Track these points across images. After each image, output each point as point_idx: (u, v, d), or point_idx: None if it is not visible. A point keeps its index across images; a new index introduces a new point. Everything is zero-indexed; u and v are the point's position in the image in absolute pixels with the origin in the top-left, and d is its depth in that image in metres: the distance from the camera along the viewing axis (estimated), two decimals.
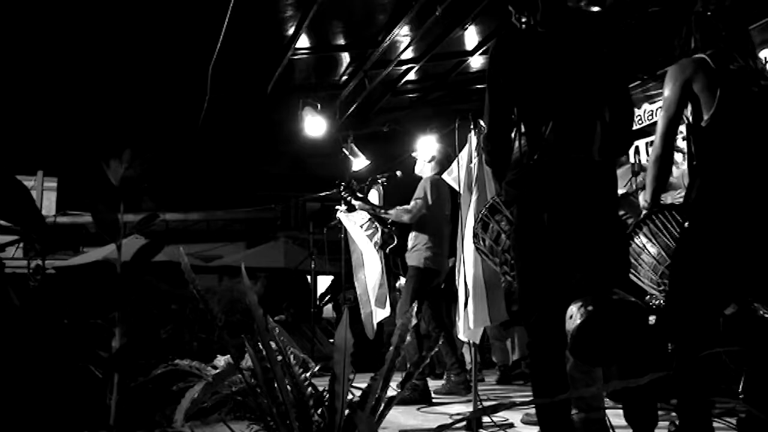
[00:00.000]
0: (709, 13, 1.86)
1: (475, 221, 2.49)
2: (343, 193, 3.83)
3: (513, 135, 1.83)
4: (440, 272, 3.70)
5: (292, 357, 1.51)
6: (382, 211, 3.83)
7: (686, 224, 1.82)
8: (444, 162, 3.86)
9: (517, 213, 1.82)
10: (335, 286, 6.94)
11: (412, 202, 3.74)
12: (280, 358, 1.45)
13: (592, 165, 1.74)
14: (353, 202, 3.85)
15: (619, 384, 1.06)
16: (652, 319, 2.01)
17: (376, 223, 4.01)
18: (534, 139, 1.76)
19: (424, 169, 3.89)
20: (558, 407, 1.65)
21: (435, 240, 3.68)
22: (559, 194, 1.72)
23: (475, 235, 2.50)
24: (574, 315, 1.61)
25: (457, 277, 3.15)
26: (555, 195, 1.72)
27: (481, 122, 3.09)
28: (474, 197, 3.05)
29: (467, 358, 4.24)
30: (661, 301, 2.25)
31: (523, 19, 1.83)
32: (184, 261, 1.41)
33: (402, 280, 3.93)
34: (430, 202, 3.67)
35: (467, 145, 3.18)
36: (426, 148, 3.96)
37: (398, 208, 3.80)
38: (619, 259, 1.78)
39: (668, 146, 1.84)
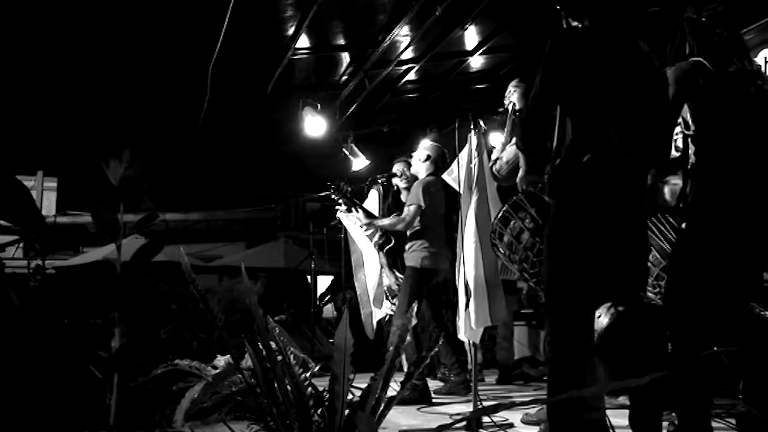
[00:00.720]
0: (703, 19, 1.88)
1: (496, 216, 2.49)
2: (334, 196, 3.82)
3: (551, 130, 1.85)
4: (438, 271, 3.71)
5: (292, 357, 1.51)
6: (376, 221, 3.84)
7: (683, 226, 1.83)
8: (439, 161, 3.85)
9: (557, 208, 1.83)
10: (335, 287, 6.94)
11: (405, 209, 3.74)
12: (280, 358, 1.45)
13: (640, 168, 1.80)
14: (343, 208, 3.84)
15: (619, 384, 1.07)
16: None
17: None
18: (586, 137, 1.77)
19: (419, 169, 3.89)
20: (572, 406, 1.65)
21: (432, 240, 3.69)
22: (610, 194, 1.75)
23: (493, 231, 2.49)
24: (602, 316, 1.62)
25: (456, 278, 3.15)
26: (606, 195, 1.75)
27: (481, 122, 3.08)
28: (474, 197, 3.05)
29: (468, 358, 4.24)
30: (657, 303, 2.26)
31: (574, 23, 1.87)
32: (184, 261, 1.41)
33: (387, 279, 3.89)
34: (423, 206, 3.67)
35: (467, 145, 3.18)
36: (422, 147, 3.96)
37: (391, 218, 3.80)
38: (645, 264, 1.83)
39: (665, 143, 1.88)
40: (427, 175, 3.82)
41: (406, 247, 3.74)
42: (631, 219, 1.77)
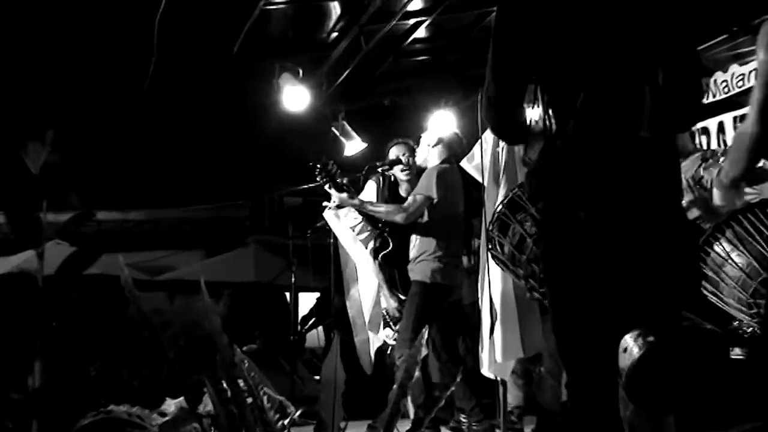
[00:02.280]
0: None
1: (491, 221, 2.50)
2: (318, 178, 3.80)
3: (535, 106, 1.83)
4: (453, 288, 3.68)
5: (265, 399, 1.51)
6: (370, 205, 3.80)
7: None
8: (455, 147, 3.86)
9: (544, 211, 1.81)
10: (322, 307, 6.94)
11: (410, 198, 3.73)
12: (250, 400, 1.45)
13: (641, 145, 1.70)
14: (332, 205, 3.83)
15: None
16: (738, 351, 2.00)
17: (371, 225, 4.01)
18: (562, 111, 1.74)
19: (429, 155, 3.89)
20: None
21: (445, 247, 3.67)
22: (598, 184, 1.69)
23: (489, 240, 2.50)
24: (629, 348, 1.59)
25: (479, 296, 3.15)
26: (593, 186, 1.69)
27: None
28: (502, 191, 3.07)
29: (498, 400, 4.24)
30: (755, 328, 2.22)
31: None
32: (123, 274, 1.41)
33: (388, 301, 3.88)
34: (435, 198, 3.65)
35: None
36: (436, 127, 3.97)
37: (390, 206, 3.80)
38: (688, 272, 1.78)
39: (766, 122, 1.79)
40: (441, 163, 3.82)
41: (411, 256, 3.73)
42: (649, 213, 1.70)
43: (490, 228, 2.47)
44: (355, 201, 3.79)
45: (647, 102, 1.72)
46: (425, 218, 3.73)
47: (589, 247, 1.69)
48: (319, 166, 3.78)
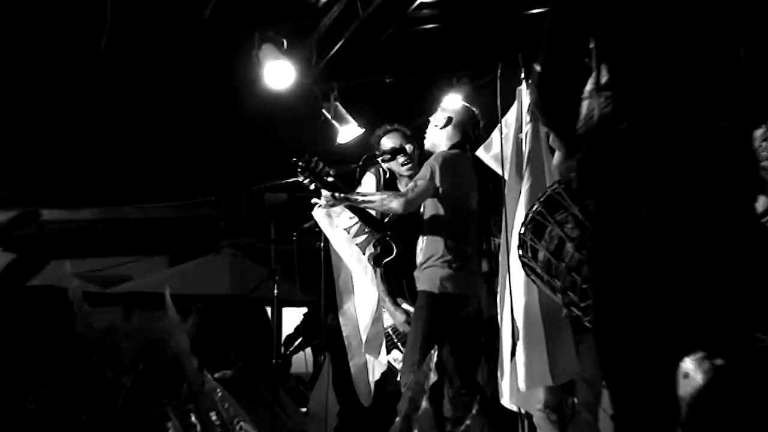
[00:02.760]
0: None
1: (523, 223, 2.51)
2: (300, 178, 3.81)
3: (586, 87, 1.86)
4: (468, 298, 3.65)
5: None
6: (360, 196, 3.78)
7: None
8: (468, 128, 3.86)
9: (595, 209, 1.83)
10: (310, 325, 6.96)
11: (410, 183, 3.73)
12: None
13: (720, 135, 1.73)
14: (322, 202, 3.83)
15: None
16: None
17: (369, 227, 4.02)
18: (624, 92, 1.78)
19: (437, 139, 3.89)
20: None
21: (455, 249, 3.66)
22: (666, 178, 1.72)
23: (521, 245, 2.51)
24: (692, 373, 1.61)
25: (499, 310, 3.17)
26: (659, 179, 1.72)
27: (537, 67, 3.10)
28: (525, 186, 3.09)
29: None
30: None
31: None
32: (71, 285, 1.41)
33: (394, 316, 3.89)
34: (439, 186, 3.65)
35: (516, 105, 3.22)
36: (446, 108, 3.97)
37: (387, 191, 3.80)
38: (763, 285, 1.77)
39: None
40: (450, 148, 3.82)
41: (418, 261, 3.73)
42: (723, 213, 1.73)
43: (523, 231, 2.48)
44: (343, 195, 3.78)
45: (729, 86, 1.75)
46: (430, 214, 3.72)
47: (650, 251, 1.72)
48: (300, 163, 3.77)
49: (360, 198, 3.79)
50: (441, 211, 3.71)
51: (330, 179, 3.77)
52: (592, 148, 1.84)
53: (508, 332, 3.16)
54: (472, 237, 3.77)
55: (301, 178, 3.81)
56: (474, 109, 3.99)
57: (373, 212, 4.08)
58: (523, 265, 2.59)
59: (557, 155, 2.27)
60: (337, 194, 3.77)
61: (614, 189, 1.79)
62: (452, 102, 4.06)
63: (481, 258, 4.08)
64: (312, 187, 3.81)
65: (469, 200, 3.78)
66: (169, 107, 7.29)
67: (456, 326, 3.70)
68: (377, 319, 4.00)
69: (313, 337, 6.89)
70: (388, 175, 4.24)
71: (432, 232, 3.73)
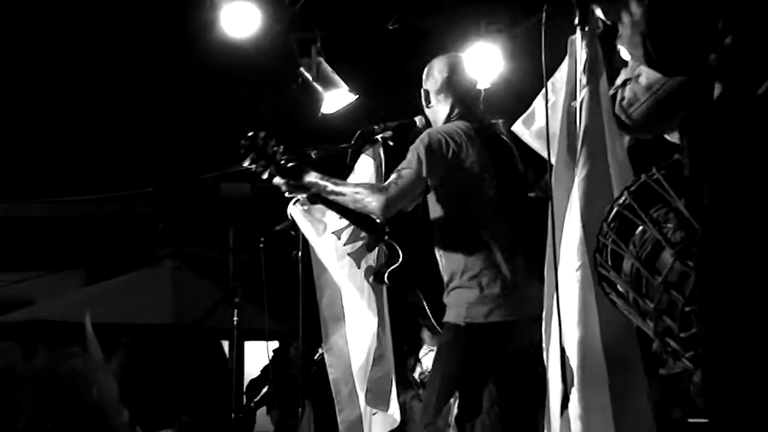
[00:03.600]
0: None
1: (604, 219, 2.52)
2: (246, 162, 3.84)
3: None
4: (513, 326, 3.64)
5: None
6: (331, 185, 3.78)
7: None
8: (463, 90, 3.90)
9: (713, 203, 1.86)
10: (282, 364, 6.98)
11: (393, 175, 3.72)
12: None
13: None
14: (274, 180, 3.86)
15: None
16: None
17: (360, 227, 4.04)
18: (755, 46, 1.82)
19: (434, 111, 3.95)
20: None
21: (481, 259, 3.67)
22: None
23: (599, 249, 2.52)
24: None
25: (544, 343, 3.19)
26: None
27: (598, 12, 3.13)
28: (581, 172, 3.11)
29: None
30: None
31: None
32: None
33: (425, 351, 3.92)
34: (428, 180, 3.66)
35: (566, 62, 3.24)
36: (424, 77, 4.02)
37: (362, 184, 3.82)
38: None
39: None
40: (446, 121, 3.87)
41: (445, 279, 3.75)
42: None
43: (604, 231, 2.49)
44: (303, 182, 3.78)
45: None
46: (435, 217, 3.73)
47: None
48: (243, 142, 3.80)
49: (330, 187, 3.77)
50: (442, 213, 3.72)
51: (289, 164, 3.79)
52: (711, 119, 1.86)
53: (557, 374, 3.17)
54: (502, 237, 3.73)
55: (246, 163, 3.82)
56: (456, 54, 4.06)
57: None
58: (600, 278, 2.59)
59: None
60: (293, 182, 3.79)
61: (744, 175, 1.81)
62: (479, 62, 4.09)
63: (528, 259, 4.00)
64: (265, 176, 3.82)
65: (481, 189, 3.75)
66: (92, 65, 7.30)
67: (501, 366, 3.69)
68: (380, 357, 4.02)
69: (287, 382, 6.91)
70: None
71: (445, 243, 3.73)
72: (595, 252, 2.54)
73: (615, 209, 2.46)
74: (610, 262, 2.46)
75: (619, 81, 3.03)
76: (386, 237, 3.92)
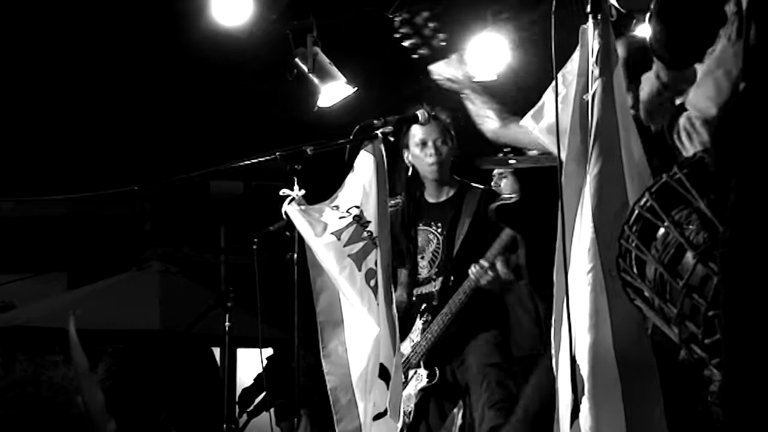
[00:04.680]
0: None
1: (626, 222, 2.53)
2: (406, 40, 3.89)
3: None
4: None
5: None
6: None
7: None
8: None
9: (738, 201, 1.87)
10: (276, 373, 6.99)
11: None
12: None
13: None
14: (296, 192, 3.91)
15: None
16: None
17: (370, 228, 4.06)
18: None
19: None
20: None
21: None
22: None
23: (620, 255, 2.53)
24: None
25: (553, 349, 3.21)
26: None
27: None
28: (594, 171, 3.12)
29: None
30: None
31: None
32: None
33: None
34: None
35: (578, 52, 3.25)
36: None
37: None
38: None
39: None
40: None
41: None
42: None
43: (626, 234, 2.50)
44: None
45: None
46: None
47: None
48: (400, 21, 3.95)
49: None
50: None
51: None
52: (736, 114, 1.88)
53: (566, 383, 3.19)
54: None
55: (407, 43, 3.89)
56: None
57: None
58: (624, 284, 2.60)
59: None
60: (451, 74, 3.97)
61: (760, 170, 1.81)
62: (484, 53, 4.11)
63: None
64: (420, 52, 3.90)
65: None
66: (74, 55, 7.29)
67: None
68: (399, 366, 4.03)
69: (282, 392, 6.90)
70: (409, 168, 4.49)
71: None
72: (618, 257, 2.55)
73: (636, 211, 2.47)
74: (634, 268, 2.48)
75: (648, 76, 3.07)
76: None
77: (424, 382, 4.76)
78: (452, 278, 4.79)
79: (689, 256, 2.30)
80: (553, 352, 3.35)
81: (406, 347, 4.87)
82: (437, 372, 4.74)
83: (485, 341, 4.77)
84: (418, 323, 4.85)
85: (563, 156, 3.24)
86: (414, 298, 4.99)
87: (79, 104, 8.47)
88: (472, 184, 4.91)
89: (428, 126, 4.57)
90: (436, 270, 4.86)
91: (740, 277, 1.85)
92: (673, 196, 2.38)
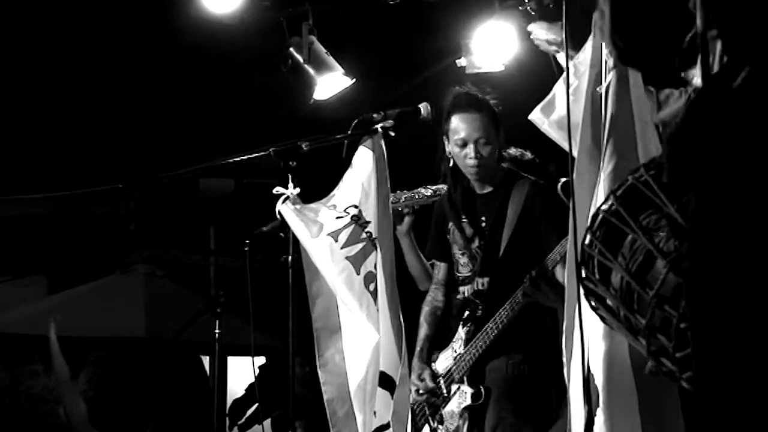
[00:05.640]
0: None
1: (589, 227, 2.53)
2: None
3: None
4: None
5: None
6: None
7: None
8: None
9: (703, 206, 1.85)
10: (269, 382, 6.99)
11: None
12: None
13: None
14: (290, 190, 3.91)
15: None
16: None
17: (369, 228, 4.05)
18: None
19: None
20: None
21: None
22: None
23: (585, 262, 2.52)
24: None
25: (564, 360, 3.21)
26: None
27: None
28: (608, 168, 3.13)
29: None
30: None
31: None
32: None
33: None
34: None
35: (591, 41, 3.26)
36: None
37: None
38: None
39: None
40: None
41: None
42: None
43: (588, 240, 2.49)
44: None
45: None
46: None
47: None
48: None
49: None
50: None
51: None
52: (689, 118, 1.87)
53: (579, 394, 3.18)
54: None
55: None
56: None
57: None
58: (587, 292, 2.59)
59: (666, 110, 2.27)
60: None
61: (730, 176, 1.79)
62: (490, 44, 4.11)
63: None
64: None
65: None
66: (57, 48, 7.30)
67: None
68: (405, 376, 4.01)
69: (276, 403, 6.91)
70: (449, 165, 4.61)
71: None
72: (580, 264, 2.54)
73: (600, 216, 2.45)
74: (597, 275, 2.46)
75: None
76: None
77: (468, 400, 4.69)
78: (499, 279, 4.69)
79: (660, 264, 2.28)
80: (564, 360, 3.34)
81: (448, 357, 4.79)
82: (482, 391, 4.64)
83: (505, 373, 4.67)
84: (461, 332, 4.73)
85: (575, 152, 3.24)
86: (455, 300, 4.88)
87: (60, 97, 8.48)
88: (522, 173, 4.78)
89: (471, 122, 4.56)
90: (479, 269, 4.74)
91: (712, 289, 1.83)
92: (641, 199, 2.36)
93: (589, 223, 2.51)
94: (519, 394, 4.62)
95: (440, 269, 4.98)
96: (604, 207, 2.44)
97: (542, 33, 3.90)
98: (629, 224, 2.37)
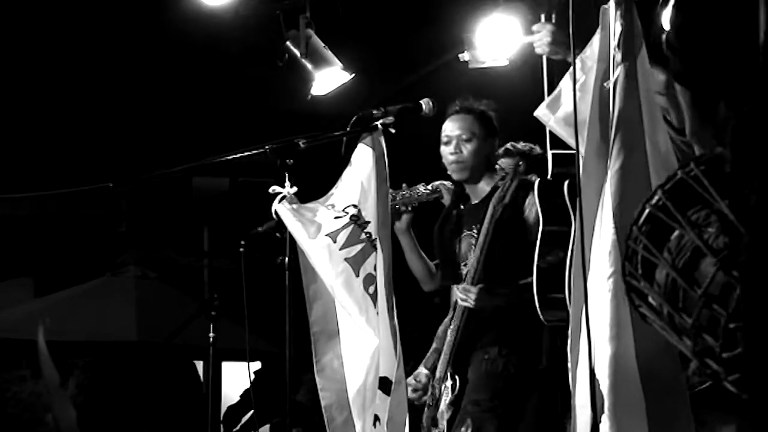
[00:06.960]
0: None
1: (635, 222, 2.53)
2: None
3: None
4: None
5: None
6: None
7: None
8: None
9: (760, 198, 1.87)
10: (265, 389, 7.00)
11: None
12: None
13: None
14: (287, 189, 3.93)
15: None
16: None
17: (369, 229, 4.07)
18: None
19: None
20: None
21: None
22: None
23: (629, 257, 2.53)
24: None
25: (569, 364, 3.22)
26: None
27: None
28: (616, 166, 3.14)
29: None
30: None
31: None
32: None
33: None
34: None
35: (598, 35, 3.27)
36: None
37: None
38: None
39: None
40: None
41: None
42: None
43: (634, 235, 2.50)
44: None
45: None
46: None
47: None
48: None
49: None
50: None
51: None
52: (759, 108, 1.87)
53: (585, 399, 3.20)
54: None
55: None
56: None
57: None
58: (629, 289, 2.59)
59: (688, 123, 2.27)
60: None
61: None
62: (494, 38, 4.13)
63: None
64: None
65: None
66: (46, 42, 7.30)
67: None
68: (400, 381, 4.03)
69: (274, 409, 6.91)
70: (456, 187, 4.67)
71: None
72: (624, 259, 2.54)
73: (647, 210, 2.46)
74: (641, 271, 2.47)
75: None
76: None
77: (450, 395, 4.74)
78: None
79: (708, 262, 2.28)
80: (569, 365, 3.36)
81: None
82: (458, 380, 4.69)
83: (479, 367, 4.74)
84: (449, 337, 4.83)
85: (582, 149, 3.25)
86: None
87: (48, 92, 8.48)
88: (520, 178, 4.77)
89: (456, 121, 4.68)
90: (472, 280, 4.76)
91: (761, 289, 1.86)
92: (690, 194, 2.37)
93: (634, 218, 2.52)
94: (490, 388, 4.68)
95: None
96: (651, 201, 2.44)
97: (547, 37, 3.91)
98: (677, 219, 2.37)
